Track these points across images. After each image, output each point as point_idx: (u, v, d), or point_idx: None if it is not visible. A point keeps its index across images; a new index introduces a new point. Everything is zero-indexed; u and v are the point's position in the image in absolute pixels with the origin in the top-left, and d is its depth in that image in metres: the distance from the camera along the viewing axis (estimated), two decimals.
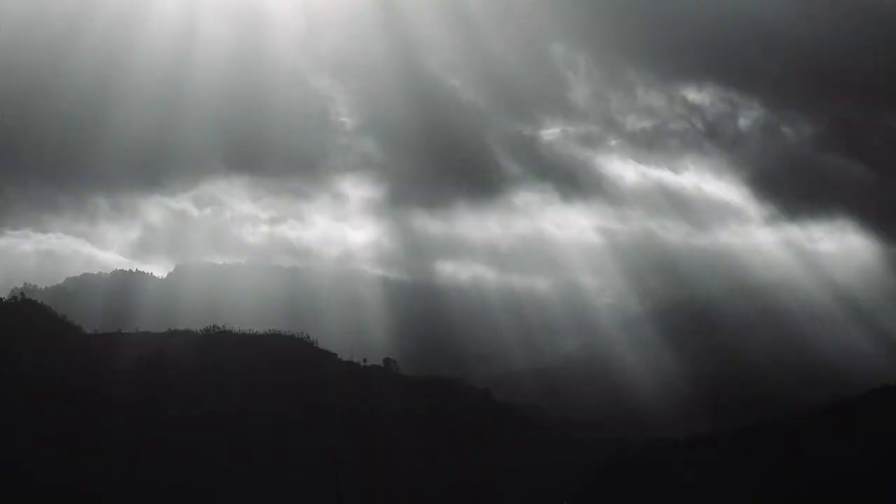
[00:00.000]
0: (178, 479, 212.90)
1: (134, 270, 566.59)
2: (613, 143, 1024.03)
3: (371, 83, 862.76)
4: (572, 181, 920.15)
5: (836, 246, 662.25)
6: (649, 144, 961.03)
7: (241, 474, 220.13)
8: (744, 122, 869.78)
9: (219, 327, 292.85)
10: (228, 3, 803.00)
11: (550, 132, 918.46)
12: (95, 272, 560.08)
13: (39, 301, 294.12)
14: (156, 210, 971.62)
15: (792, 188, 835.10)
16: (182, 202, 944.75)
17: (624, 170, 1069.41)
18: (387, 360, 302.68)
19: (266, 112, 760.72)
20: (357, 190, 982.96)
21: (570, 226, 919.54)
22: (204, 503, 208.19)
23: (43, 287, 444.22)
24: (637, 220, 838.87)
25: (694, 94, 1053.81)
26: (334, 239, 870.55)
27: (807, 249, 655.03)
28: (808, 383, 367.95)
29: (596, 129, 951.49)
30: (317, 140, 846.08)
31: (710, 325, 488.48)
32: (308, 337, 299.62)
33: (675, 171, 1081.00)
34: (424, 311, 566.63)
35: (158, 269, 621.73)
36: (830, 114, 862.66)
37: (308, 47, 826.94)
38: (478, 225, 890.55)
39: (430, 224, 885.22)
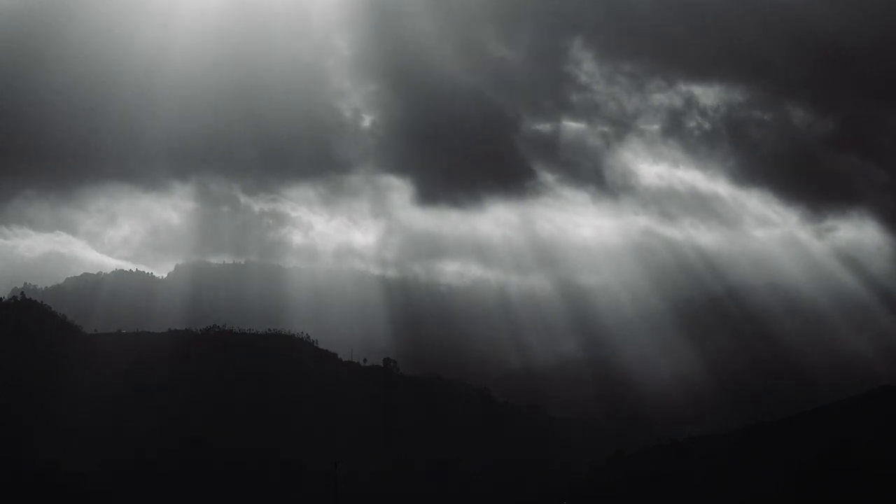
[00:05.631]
0: (179, 477, 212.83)
1: (134, 270, 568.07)
2: (628, 142, 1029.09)
3: (382, 83, 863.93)
4: (585, 181, 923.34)
5: (853, 242, 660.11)
6: (664, 143, 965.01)
7: (240, 473, 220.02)
8: (761, 121, 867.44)
9: (219, 327, 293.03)
10: (244, 2, 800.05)
11: (564, 131, 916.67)
12: (95, 272, 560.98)
13: (39, 301, 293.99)
14: (156, 210, 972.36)
15: (810, 185, 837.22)
16: (182, 202, 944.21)
17: (638, 169, 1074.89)
18: (387, 360, 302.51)
19: (270, 111, 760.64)
20: (356, 190, 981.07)
21: (578, 225, 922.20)
22: (203, 501, 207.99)
23: (43, 287, 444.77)
24: (646, 218, 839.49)
25: (708, 94, 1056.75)
26: (335, 239, 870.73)
27: (822, 246, 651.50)
28: (810, 384, 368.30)
29: (613, 128, 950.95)
30: (319, 140, 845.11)
31: (711, 326, 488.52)
32: (308, 337, 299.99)
33: (689, 169, 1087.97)
34: (424, 311, 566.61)
35: (158, 269, 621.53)
36: (848, 111, 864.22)
37: (326, 46, 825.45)
38: (481, 225, 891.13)
39: (431, 223, 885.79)
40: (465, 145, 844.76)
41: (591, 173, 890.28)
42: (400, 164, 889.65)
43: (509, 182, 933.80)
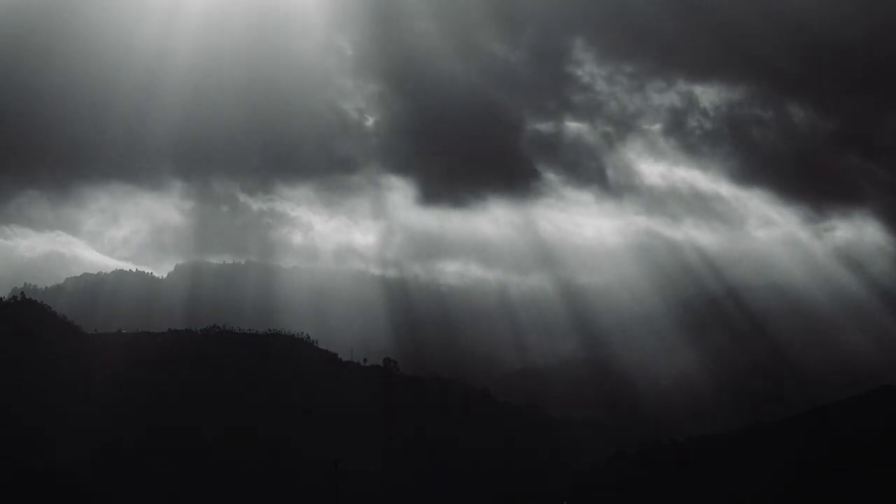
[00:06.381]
0: (179, 477, 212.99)
1: (134, 270, 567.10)
2: (630, 142, 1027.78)
3: (384, 83, 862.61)
4: (587, 181, 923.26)
5: (855, 242, 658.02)
6: (666, 143, 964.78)
7: (240, 472, 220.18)
8: (763, 120, 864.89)
9: (219, 327, 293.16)
10: (247, 1, 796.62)
11: (567, 132, 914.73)
12: (95, 272, 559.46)
13: (39, 301, 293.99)
14: (157, 210, 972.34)
15: (812, 185, 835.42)
16: (182, 202, 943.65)
17: (640, 168, 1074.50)
18: (387, 360, 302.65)
19: (272, 111, 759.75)
20: (357, 190, 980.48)
21: (579, 225, 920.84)
22: (203, 500, 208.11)
23: (43, 287, 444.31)
24: (647, 218, 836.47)
25: (709, 93, 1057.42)
26: (335, 239, 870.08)
27: (824, 247, 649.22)
28: (810, 384, 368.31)
29: (615, 128, 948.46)
30: (321, 140, 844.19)
31: (711, 326, 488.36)
32: (308, 337, 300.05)
33: (691, 169, 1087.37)
34: (424, 311, 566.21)
35: (158, 269, 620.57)
36: (850, 110, 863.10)
37: (329, 46, 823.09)
38: (482, 225, 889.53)
39: (431, 223, 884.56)
40: (468, 145, 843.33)
41: (593, 173, 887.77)
42: (401, 164, 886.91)
43: (511, 182, 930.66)
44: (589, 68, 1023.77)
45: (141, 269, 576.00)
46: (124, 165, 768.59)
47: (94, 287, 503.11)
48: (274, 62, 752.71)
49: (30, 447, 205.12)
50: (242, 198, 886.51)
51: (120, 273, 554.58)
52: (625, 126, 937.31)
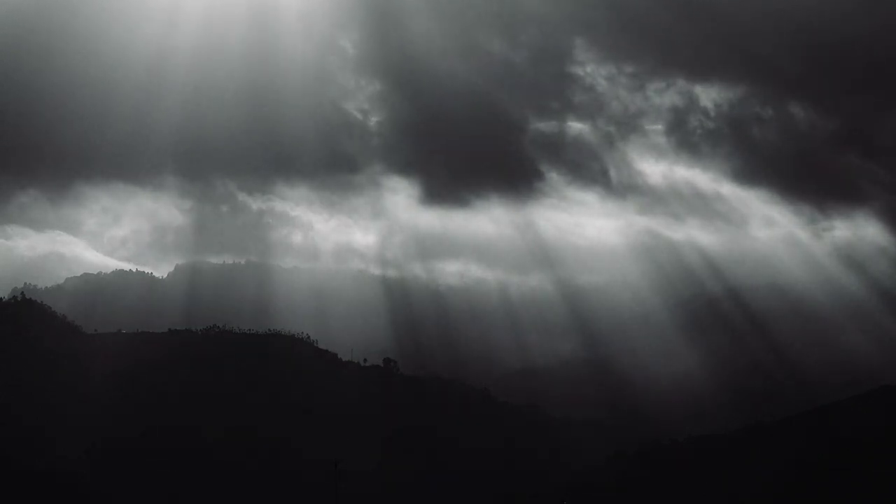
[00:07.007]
0: (179, 477, 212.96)
1: (134, 270, 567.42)
2: (632, 142, 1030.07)
3: (386, 83, 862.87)
4: (589, 181, 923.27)
5: (857, 243, 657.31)
6: (668, 143, 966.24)
7: (240, 473, 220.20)
8: (764, 120, 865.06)
9: (219, 327, 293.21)
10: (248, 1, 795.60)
11: (569, 132, 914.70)
12: (95, 272, 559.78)
13: (39, 301, 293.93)
14: (157, 210, 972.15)
15: (815, 185, 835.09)
16: (182, 202, 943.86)
17: (641, 168, 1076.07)
18: (387, 360, 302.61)
19: (273, 111, 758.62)
20: (358, 190, 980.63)
21: (580, 224, 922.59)
22: (203, 500, 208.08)
23: (43, 287, 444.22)
24: (648, 218, 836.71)
25: (710, 92, 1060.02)
26: (335, 239, 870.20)
27: (825, 247, 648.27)
28: (810, 384, 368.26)
29: (617, 128, 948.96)
30: (322, 139, 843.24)
31: (712, 326, 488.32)
32: (308, 337, 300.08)
33: (692, 169, 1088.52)
34: (424, 311, 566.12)
35: (158, 269, 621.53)
36: (850, 110, 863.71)
37: (331, 46, 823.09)
38: (483, 225, 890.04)
39: (431, 223, 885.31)
40: (470, 145, 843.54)
41: (596, 173, 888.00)
42: (403, 163, 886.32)
43: (514, 182, 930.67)
44: (590, 68, 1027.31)
45: (141, 269, 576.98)
46: (124, 165, 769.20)
47: (94, 287, 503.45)
48: (275, 62, 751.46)
49: (30, 447, 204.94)
50: (242, 197, 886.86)
51: (120, 273, 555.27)
52: (626, 126, 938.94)
